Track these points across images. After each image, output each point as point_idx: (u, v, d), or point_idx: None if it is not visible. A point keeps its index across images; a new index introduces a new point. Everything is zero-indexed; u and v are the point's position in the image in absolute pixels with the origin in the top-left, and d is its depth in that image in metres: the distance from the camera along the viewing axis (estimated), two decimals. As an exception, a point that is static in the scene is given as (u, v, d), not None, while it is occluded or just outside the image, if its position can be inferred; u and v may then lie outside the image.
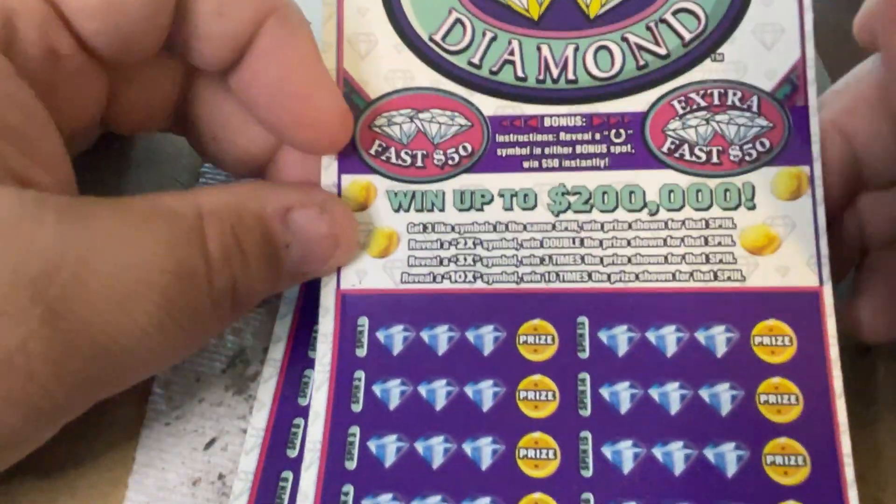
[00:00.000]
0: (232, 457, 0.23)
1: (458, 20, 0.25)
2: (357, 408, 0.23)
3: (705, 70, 0.24)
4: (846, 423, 0.21)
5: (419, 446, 0.23)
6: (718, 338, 0.23)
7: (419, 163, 0.25)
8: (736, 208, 0.23)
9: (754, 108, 0.24)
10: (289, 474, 0.23)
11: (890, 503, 0.22)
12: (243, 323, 0.26)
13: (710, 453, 0.22)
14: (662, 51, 0.24)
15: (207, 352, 0.25)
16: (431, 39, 0.25)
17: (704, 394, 0.22)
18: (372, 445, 0.23)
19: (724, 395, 0.22)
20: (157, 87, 0.25)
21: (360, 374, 0.24)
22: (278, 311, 0.25)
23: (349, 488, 0.23)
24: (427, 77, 0.25)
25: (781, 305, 0.23)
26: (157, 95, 0.25)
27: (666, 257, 0.23)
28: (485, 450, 0.23)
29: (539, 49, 0.25)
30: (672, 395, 0.22)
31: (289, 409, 0.24)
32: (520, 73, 0.25)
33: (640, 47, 0.24)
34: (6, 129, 0.20)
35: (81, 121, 0.24)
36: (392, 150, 0.25)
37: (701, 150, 0.24)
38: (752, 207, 0.23)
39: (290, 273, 0.24)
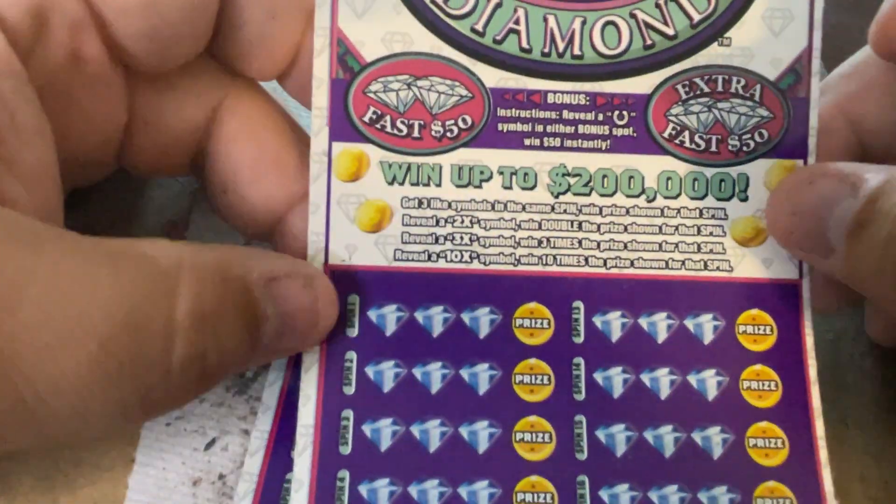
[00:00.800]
0: (232, 457, 0.22)
1: None
2: (349, 390, 0.23)
3: (711, 54, 0.24)
4: (820, 408, 0.23)
5: (415, 430, 0.23)
6: (706, 325, 0.24)
7: (416, 133, 0.23)
8: (729, 199, 0.24)
9: (756, 98, 0.24)
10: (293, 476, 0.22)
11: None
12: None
13: (697, 437, 0.23)
14: (670, 31, 0.24)
15: (209, 351, 0.24)
16: (433, 1, 0.23)
17: (692, 379, 0.23)
18: (367, 429, 0.22)
19: (710, 381, 0.23)
20: (175, 130, 0.23)
21: (352, 355, 0.23)
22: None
23: (345, 474, 0.22)
24: (427, 42, 0.23)
25: (764, 296, 0.24)
26: (174, 139, 0.23)
27: (660, 245, 0.24)
28: (481, 434, 0.23)
29: (546, 20, 0.23)
30: (662, 380, 0.23)
31: (293, 411, 0.23)
32: (524, 45, 0.23)
33: (648, 25, 0.24)
34: None
35: (93, 140, 0.22)
36: (387, 118, 0.23)
37: (701, 137, 0.24)
38: (745, 199, 0.24)
39: (265, 348, 0.21)
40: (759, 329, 0.24)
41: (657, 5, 0.24)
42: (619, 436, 0.23)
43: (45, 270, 0.17)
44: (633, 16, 0.24)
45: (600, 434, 0.23)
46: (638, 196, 0.24)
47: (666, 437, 0.23)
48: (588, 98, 0.24)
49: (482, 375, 0.23)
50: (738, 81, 0.24)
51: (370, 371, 0.23)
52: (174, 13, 0.21)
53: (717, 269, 0.24)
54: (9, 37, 0.19)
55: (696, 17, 0.24)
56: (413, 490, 0.22)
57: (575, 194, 0.24)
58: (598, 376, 0.23)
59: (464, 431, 0.23)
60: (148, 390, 0.19)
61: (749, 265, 0.24)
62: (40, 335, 0.17)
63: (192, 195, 0.27)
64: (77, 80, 0.21)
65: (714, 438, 0.23)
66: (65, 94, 0.21)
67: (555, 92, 0.24)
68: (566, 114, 0.24)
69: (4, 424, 0.17)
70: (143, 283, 0.18)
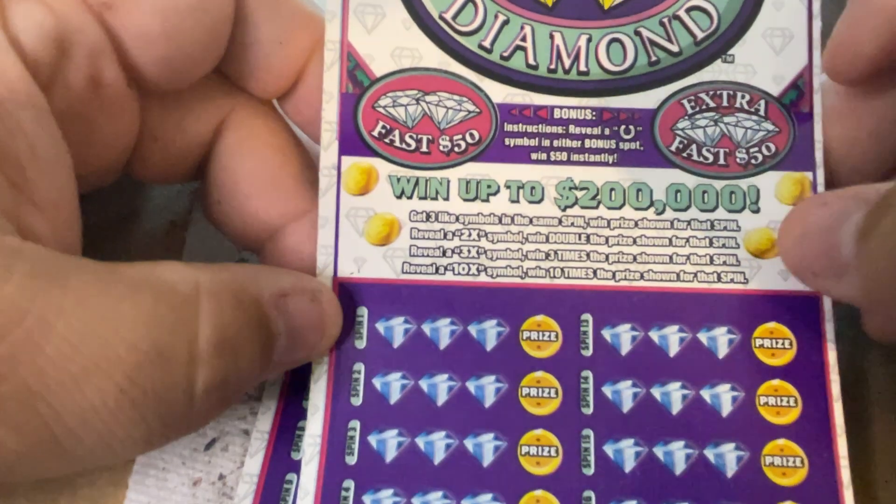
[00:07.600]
0: (232, 457, 0.22)
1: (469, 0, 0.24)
2: (357, 401, 0.23)
3: (715, 71, 0.24)
4: (843, 426, 0.22)
5: (420, 441, 0.22)
6: (720, 339, 0.23)
7: (424, 148, 0.24)
8: (740, 211, 0.24)
9: (761, 112, 0.24)
10: (293, 476, 0.22)
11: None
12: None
13: (710, 453, 0.22)
14: (675, 48, 0.24)
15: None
16: (441, 18, 0.24)
17: (706, 394, 0.23)
18: (372, 440, 0.22)
19: (724, 396, 0.23)
20: (182, 143, 0.24)
21: (360, 367, 0.23)
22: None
23: (350, 483, 0.22)
24: (435, 57, 0.24)
25: (782, 309, 0.23)
26: (181, 152, 0.24)
27: (671, 257, 0.24)
28: (487, 446, 0.22)
29: (552, 37, 0.24)
30: (674, 394, 0.23)
31: (293, 411, 0.23)
32: (531, 61, 0.24)
33: (653, 43, 0.24)
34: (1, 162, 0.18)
35: (106, 159, 0.23)
36: (396, 132, 0.24)
37: (708, 150, 0.24)
38: (757, 211, 0.24)
39: (275, 364, 0.22)
40: (777, 343, 0.23)
41: (661, 23, 0.24)
42: (627, 451, 0.22)
43: (71, 305, 0.17)
44: (637, 33, 0.24)
45: (608, 449, 0.22)
46: (646, 209, 0.24)
47: (677, 454, 0.22)
48: (594, 113, 0.24)
49: (488, 388, 0.23)
50: (743, 97, 0.24)
51: (377, 382, 0.23)
52: (192, 39, 0.22)
53: (732, 281, 0.23)
54: (30, 66, 0.19)
55: (700, 35, 0.24)
56: (416, 501, 0.22)
57: (582, 207, 0.24)
58: (607, 390, 0.23)
59: (469, 444, 0.22)
60: (172, 417, 0.19)
61: (765, 277, 0.23)
62: (67, 369, 0.17)
63: (192, 195, 0.28)
64: (95, 104, 0.21)
65: (728, 455, 0.22)
66: (83, 118, 0.21)
67: (561, 107, 0.24)
68: (573, 128, 0.24)
69: (35, 456, 0.18)
70: (164, 312, 0.18)
